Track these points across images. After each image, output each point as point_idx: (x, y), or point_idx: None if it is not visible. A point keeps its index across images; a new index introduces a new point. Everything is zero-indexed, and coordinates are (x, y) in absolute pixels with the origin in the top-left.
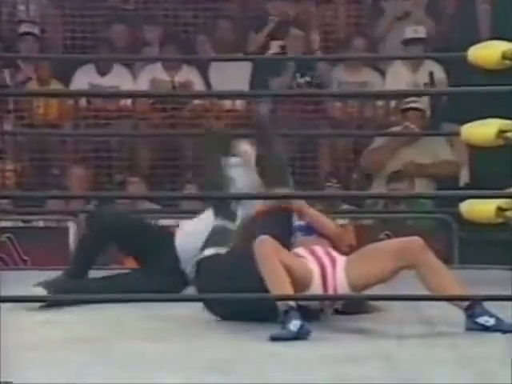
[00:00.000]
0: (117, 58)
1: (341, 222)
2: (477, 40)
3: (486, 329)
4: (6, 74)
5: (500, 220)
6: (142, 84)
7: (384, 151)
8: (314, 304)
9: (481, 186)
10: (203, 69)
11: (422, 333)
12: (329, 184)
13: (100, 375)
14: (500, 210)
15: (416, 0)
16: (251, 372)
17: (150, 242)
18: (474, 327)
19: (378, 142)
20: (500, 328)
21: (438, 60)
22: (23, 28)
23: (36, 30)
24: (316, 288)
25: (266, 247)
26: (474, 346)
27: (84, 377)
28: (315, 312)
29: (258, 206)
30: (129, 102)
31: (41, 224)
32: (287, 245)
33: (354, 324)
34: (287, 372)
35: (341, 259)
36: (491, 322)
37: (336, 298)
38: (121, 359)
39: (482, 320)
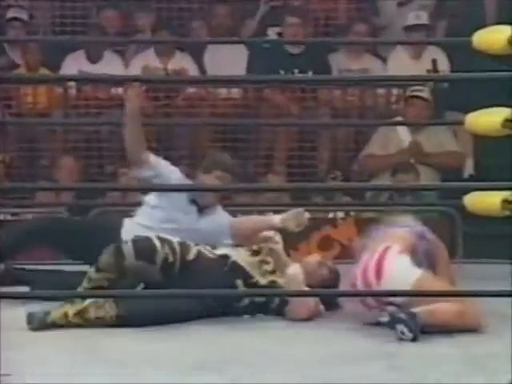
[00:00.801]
0: (107, 40)
1: (341, 215)
2: (483, 25)
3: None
4: None
5: (506, 213)
6: (134, 71)
7: (380, 160)
8: None
9: (486, 177)
10: (197, 56)
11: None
12: (332, 176)
13: (92, 374)
14: (506, 202)
15: None
16: (246, 372)
17: (90, 242)
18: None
19: (373, 146)
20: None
21: (441, 46)
22: (11, 13)
23: (24, 16)
24: None
25: None
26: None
27: (76, 375)
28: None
29: None
30: (120, 90)
31: (30, 217)
32: None
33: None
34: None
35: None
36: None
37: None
38: (113, 358)
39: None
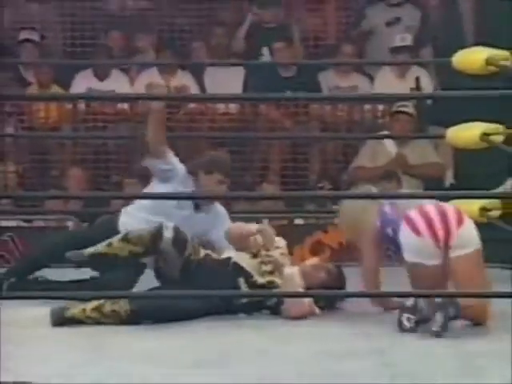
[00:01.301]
0: (114, 63)
1: (331, 221)
2: (462, 46)
3: None
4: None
5: (484, 220)
6: (139, 88)
7: (369, 171)
8: None
9: (465, 186)
10: (198, 74)
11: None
12: (320, 185)
13: (92, 371)
14: (484, 209)
15: (405, 6)
16: (244, 368)
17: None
18: None
19: (362, 158)
20: None
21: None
22: (23, 35)
23: (35, 37)
24: None
25: None
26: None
27: (75, 374)
28: None
29: None
30: (126, 105)
31: (41, 223)
32: None
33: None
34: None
35: None
36: None
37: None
38: (115, 355)
39: None
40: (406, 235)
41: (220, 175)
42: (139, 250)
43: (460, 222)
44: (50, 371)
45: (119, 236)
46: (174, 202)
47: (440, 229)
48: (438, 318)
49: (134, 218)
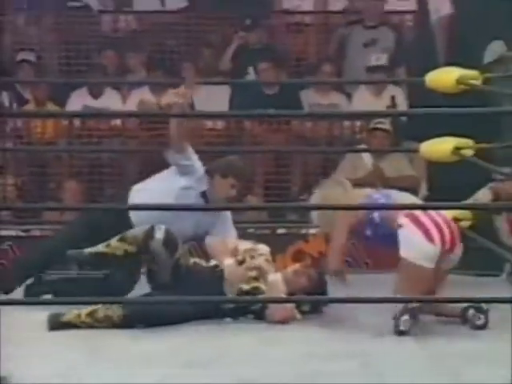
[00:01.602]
0: (108, 82)
1: (312, 231)
2: (434, 66)
3: None
4: (5, 97)
5: None
6: (131, 105)
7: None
8: None
9: (438, 198)
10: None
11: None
12: (302, 198)
13: (89, 373)
14: (456, 220)
15: (383, 29)
16: (230, 369)
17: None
18: None
19: (342, 171)
20: None
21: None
22: (21, 56)
23: (32, 57)
24: None
25: None
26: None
27: (72, 374)
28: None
29: None
30: (119, 121)
31: (38, 233)
32: None
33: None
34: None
35: None
36: None
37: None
38: (108, 358)
39: None
40: (414, 238)
41: (234, 180)
42: (133, 249)
43: (459, 231)
44: (48, 372)
45: (117, 236)
46: (189, 202)
47: (448, 236)
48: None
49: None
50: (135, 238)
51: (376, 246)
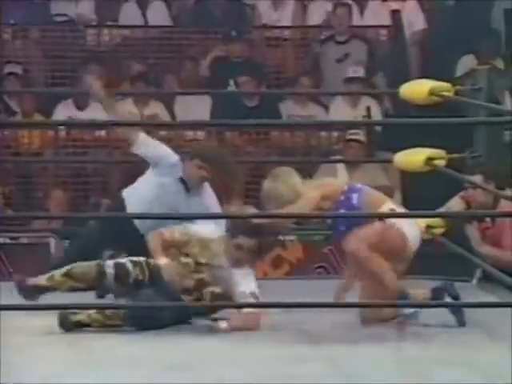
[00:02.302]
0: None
1: (289, 238)
2: (408, 79)
3: None
4: None
5: (428, 236)
6: (115, 117)
7: None
8: None
9: (412, 207)
10: (169, 103)
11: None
12: None
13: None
14: (429, 227)
15: (355, 43)
16: (208, 371)
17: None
18: None
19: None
20: None
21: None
22: (7, 68)
23: (19, 70)
24: None
25: None
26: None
27: (61, 376)
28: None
29: None
30: (103, 133)
31: (25, 240)
32: None
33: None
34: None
35: None
36: None
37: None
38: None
39: None
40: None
41: (199, 161)
42: (81, 286)
43: None
44: (32, 375)
45: (63, 270)
46: (170, 190)
47: None
48: None
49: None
50: (84, 275)
51: (343, 225)
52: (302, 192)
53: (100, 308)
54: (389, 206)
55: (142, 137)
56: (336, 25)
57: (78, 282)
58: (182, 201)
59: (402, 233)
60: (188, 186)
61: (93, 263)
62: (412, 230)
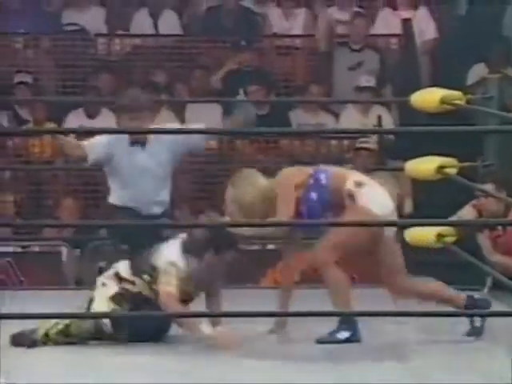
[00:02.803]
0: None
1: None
2: (418, 87)
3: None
4: (4, 117)
5: (440, 245)
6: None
7: None
8: None
9: (423, 215)
10: (179, 112)
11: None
12: None
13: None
14: (440, 236)
15: (368, 52)
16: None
17: None
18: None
19: None
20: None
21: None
22: (18, 78)
23: (29, 79)
24: None
25: None
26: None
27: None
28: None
29: None
30: None
31: (37, 249)
32: None
33: None
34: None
35: None
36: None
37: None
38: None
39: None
40: (377, 193)
41: (128, 113)
42: (76, 340)
43: None
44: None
45: (59, 326)
46: (136, 172)
47: None
48: None
49: (118, 197)
50: (80, 333)
51: (318, 210)
52: (270, 189)
53: (100, 317)
54: (354, 178)
55: (87, 144)
56: (353, 33)
57: (73, 338)
58: (146, 172)
59: (369, 214)
60: (139, 141)
61: (89, 322)
62: (379, 200)
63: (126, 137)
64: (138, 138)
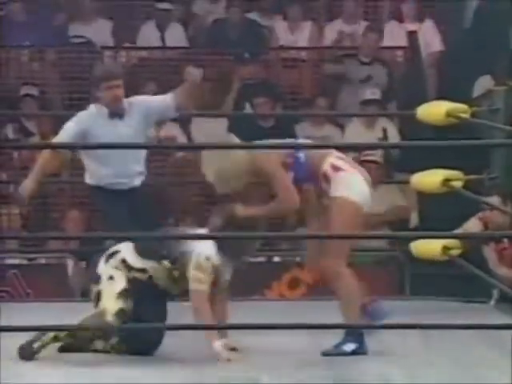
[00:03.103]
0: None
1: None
2: (424, 100)
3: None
4: (10, 129)
5: (446, 257)
6: None
7: None
8: None
9: (429, 227)
10: (185, 125)
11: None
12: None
13: None
14: (446, 248)
15: (375, 66)
16: None
17: None
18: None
19: None
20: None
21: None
22: (24, 90)
23: (35, 92)
24: None
25: None
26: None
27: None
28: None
29: None
30: None
31: (43, 261)
32: None
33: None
34: None
35: None
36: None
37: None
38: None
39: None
40: (353, 178)
41: (106, 83)
42: (83, 341)
43: None
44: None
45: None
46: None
47: None
48: None
49: (100, 176)
50: (80, 347)
51: (298, 186)
52: (254, 158)
53: (103, 329)
54: (332, 160)
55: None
56: (364, 46)
57: (79, 339)
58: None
59: (348, 202)
60: (118, 112)
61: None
62: (355, 187)
63: (102, 111)
64: (117, 109)
